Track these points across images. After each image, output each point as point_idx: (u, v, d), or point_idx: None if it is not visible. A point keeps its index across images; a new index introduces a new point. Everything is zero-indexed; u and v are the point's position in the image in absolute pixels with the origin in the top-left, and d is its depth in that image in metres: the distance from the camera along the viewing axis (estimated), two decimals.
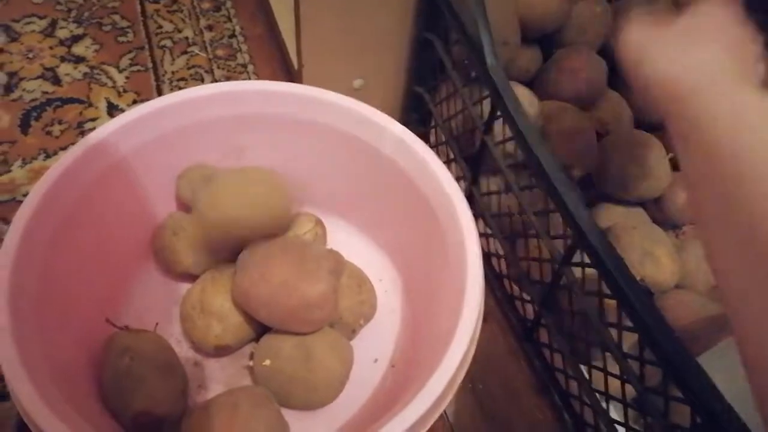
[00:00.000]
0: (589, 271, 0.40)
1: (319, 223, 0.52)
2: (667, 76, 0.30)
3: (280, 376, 0.43)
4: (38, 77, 0.70)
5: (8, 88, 0.68)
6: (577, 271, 0.42)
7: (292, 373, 0.43)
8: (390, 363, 0.49)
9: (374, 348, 0.49)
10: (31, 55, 0.72)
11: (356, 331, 0.48)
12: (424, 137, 0.64)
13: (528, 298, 0.51)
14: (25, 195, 0.59)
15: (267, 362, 0.43)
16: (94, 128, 0.65)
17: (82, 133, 0.65)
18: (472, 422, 0.50)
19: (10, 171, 0.62)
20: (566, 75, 0.57)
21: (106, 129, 0.45)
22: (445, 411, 0.50)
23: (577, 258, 0.42)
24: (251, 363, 0.45)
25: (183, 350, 0.48)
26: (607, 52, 0.61)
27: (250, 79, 0.73)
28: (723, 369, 0.36)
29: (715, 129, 0.26)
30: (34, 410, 0.32)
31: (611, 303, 0.38)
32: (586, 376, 0.45)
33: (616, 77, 0.62)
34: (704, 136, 0.27)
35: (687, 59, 0.29)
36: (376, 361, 0.48)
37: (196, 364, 0.47)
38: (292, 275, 0.42)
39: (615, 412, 0.43)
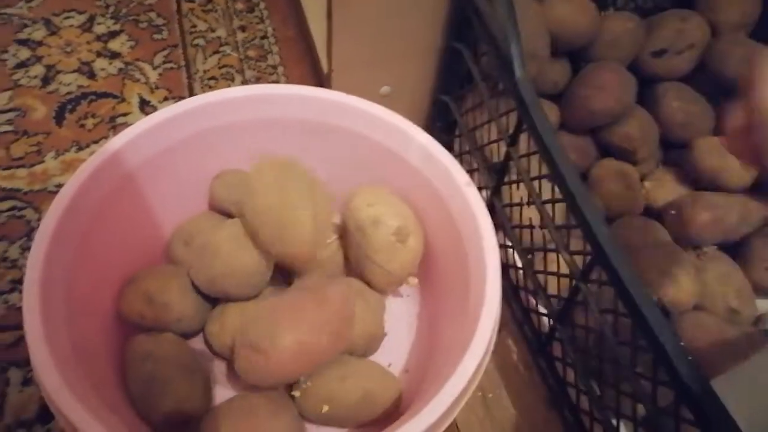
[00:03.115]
0: (606, 287, 0.40)
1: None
2: None
3: (338, 419, 0.44)
4: (75, 71, 0.72)
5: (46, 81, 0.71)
6: (594, 288, 0.42)
7: (353, 417, 0.44)
8: (404, 368, 0.49)
9: (388, 353, 0.49)
10: (69, 49, 0.74)
11: (366, 355, 0.49)
12: (448, 146, 0.65)
13: (543, 311, 0.51)
14: (57, 186, 0.61)
15: (326, 408, 0.43)
16: (125, 123, 0.67)
17: (114, 128, 0.67)
18: (481, 430, 0.50)
19: (43, 162, 0.64)
20: (595, 91, 0.57)
21: (137, 128, 0.46)
22: (455, 418, 0.51)
23: (595, 275, 0.42)
24: (296, 393, 0.44)
25: (200, 347, 0.48)
26: (636, 67, 0.61)
27: (279, 80, 0.74)
28: (736, 393, 0.36)
29: None
30: (60, 397, 0.33)
31: (626, 321, 0.38)
32: (598, 392, 0.45)
33: (645, 94, 0.61)
34: None
35: None
36: (389, 365, 0.49)
37: (213, 360, 0.48)
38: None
39: (626, 429, 0.43)
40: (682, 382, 0.33)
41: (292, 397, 0.44)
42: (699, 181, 0.59)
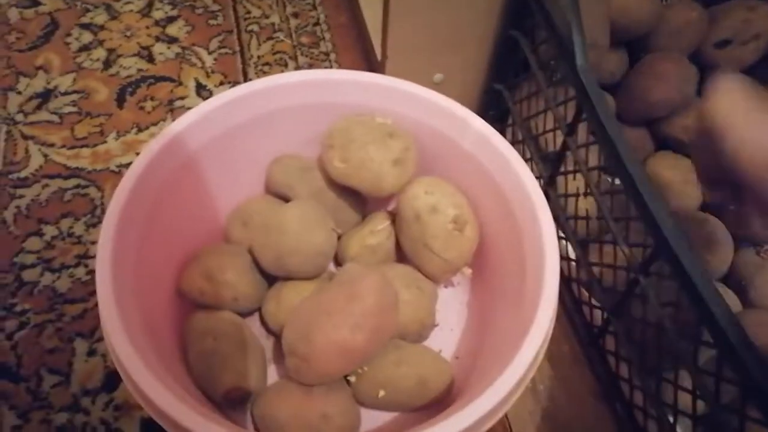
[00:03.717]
0: (667, 280, 0.40)
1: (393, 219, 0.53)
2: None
3: (392, 403, 0.44)
4: (134, 55, 0.74)
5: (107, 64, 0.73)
6: (654, 280, 0.42)
7: (406, 402, 0.44)
8: (454, 355, 0.50)
9: (439, 339, 0.50)
10: (128, 34, 0.76)
11: (418, 341, 0.49)
12: (501, 134, 0.64)
13: (597, 304, 0.51)
14: (118, 165, 0.63)
15: (382, 393, 0.43)
16: (182, 106, 0.69)
17: (172, 111, 0.69)
18: (531, 421, 0.50)
19: (105, 142, 0.66)
20: (656, 81, 0.56)
21: (198, 112, 0.46)
22: None
23: (654, 267, 0.41)
24: (352, 378, 0.44)
25: (256, 326, 0.50)
26: (698, 58, 0.60)
27: (331, 66, 0.75)
28: None
29: None
30: (132, 365, 0.34)
31: (688, 315, 0.38)
32: (653, 387, 0.44)
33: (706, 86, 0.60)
34: None
35: None
36: (440, 351, 0.49)
37: (267, 338, 0.49)
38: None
39: (681, 427, 0.43)
40: (750, 378, 0.32)
41: (348, 382, 0.45)
42: None
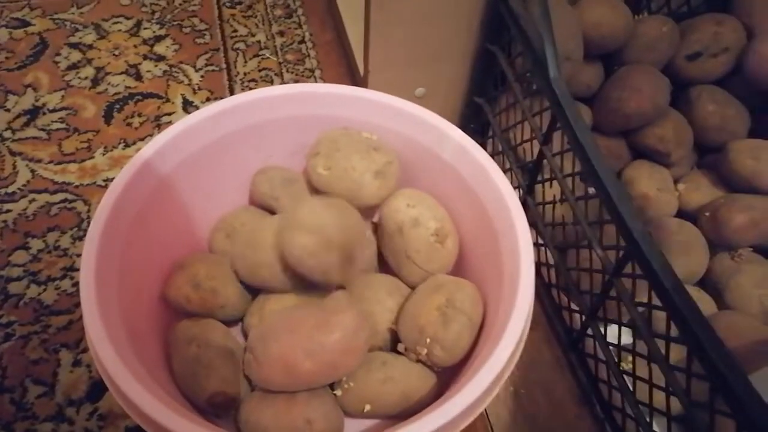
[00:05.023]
0: (640, 283, 0.41)
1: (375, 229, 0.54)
2: None
3: (378, 416, 0.45)
4: (122, 73, 0.75)
5: (95, 81, 0.74)
6: (628, 283, 0.43)
7: (391, 412, 0.44)
8: None
9: None
10: (117, 52, 0.78)
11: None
12: (482, 147, 0.66)
13: (576, 308, 0.52)
14: (105, 180, 0.64)
15: (368, 408, 0.44)
16: (170, 122, 0.70)
17: (159, 126, 0.70)
18: (513, 425, 0.51)
19: (92, 157, 0.67)
20: (630, 93, 0.58)
21: (181, 125, 0.47)
22: (486, 411, 0.51)
23: (628, 269, 0.42)
24: (338, 392, 0.45)
25: (239, 339, 0.50)
26: (670, 71, 0.62)
27: (316, 82, 0.76)
28: None
29: None
30: (117, 373, 0.35)
31: (660, 315, 0.39)
32: (630, 388, 0.45)
33: (678, 97, 0.62)
34: None
35: None
36: None
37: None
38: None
39: (658, 426, 0.44)
40: (717, 371, 0.33)
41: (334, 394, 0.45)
42: (734, 184, 0.59)
